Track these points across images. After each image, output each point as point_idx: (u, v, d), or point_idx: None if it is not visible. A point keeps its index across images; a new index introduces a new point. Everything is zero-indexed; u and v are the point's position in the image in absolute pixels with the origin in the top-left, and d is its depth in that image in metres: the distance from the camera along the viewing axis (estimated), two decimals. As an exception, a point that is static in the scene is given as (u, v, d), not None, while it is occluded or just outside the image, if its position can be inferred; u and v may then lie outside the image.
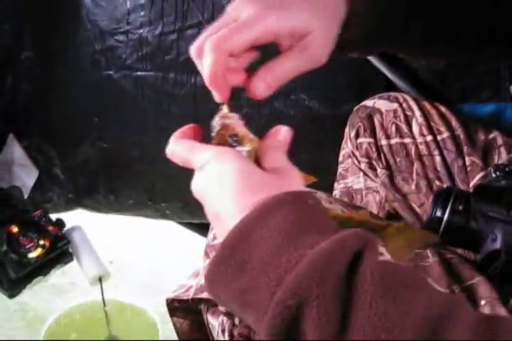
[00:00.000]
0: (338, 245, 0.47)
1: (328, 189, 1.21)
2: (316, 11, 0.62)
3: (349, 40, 0.67)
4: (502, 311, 0.69)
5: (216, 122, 0.64)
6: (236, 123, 0.64)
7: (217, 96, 0.62)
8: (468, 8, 0.75)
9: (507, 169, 0.84)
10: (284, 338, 0.46)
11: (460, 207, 0.82)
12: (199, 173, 0.59)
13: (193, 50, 0.62)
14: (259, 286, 0.48)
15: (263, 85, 0.61)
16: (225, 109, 0.65)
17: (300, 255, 0.47)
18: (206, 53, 0.58)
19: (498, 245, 0.77)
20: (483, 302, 0.70)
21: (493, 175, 0.84)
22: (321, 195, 0.89)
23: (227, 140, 0.62)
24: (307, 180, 0.63)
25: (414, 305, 0.44)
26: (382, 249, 0.50)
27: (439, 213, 0.83)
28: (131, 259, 1.94)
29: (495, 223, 0.78)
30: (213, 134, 0.64)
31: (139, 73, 1.74)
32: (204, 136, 0.66)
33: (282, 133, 0.63)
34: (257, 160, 0.61)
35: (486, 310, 0.69)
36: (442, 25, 0.75)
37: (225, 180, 0.55)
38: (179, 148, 0.62)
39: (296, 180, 0.58)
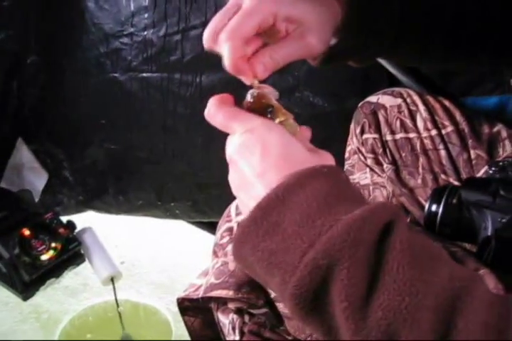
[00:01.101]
0: (371, 213, 0.49)
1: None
2: (313, 5, 0.66)
3: (343, 48, 0.72)
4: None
5: (254, 92, 0.65)
6: (272, 94, 0.65)
7: (244, 79, 0.65)
8: (458, 10, 0.79)
9: (501, 164, 0.86)
10: (307, 301, 0.48)
11: (454, 201, 0.85)
12: (240, 138, 0.60)
13: (207, 38, 0.64)
14: (290, 247, 0.50)
15: (261, 67, 0.63)
16: (256, 82, 0.65)
17: (335, 220, 0.49)
18: (224, 42, 0.61)
19: (488, 232, 0.80)
20: None
21: (490, 171, 0.86)
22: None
23: (265, 110, 0.63)
24: None
25: (438, 275, 0.46)
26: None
27: (434, 207, 0.86)
28: (143, 259, 1.96)
29: (484, 211, 0.81)
30: (250, 100, 0.64)
31: (144, 74, 1.75)
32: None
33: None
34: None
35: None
36: (437, 29, 0.79)
37: (271, 148, 0.57)
38: (222, 112, 0.63)
39: (332, 162, 0.61)
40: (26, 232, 1.72)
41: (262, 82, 0.66)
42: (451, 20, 0.79)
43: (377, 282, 0.46)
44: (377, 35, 0.74)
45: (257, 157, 0.57)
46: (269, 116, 0.63)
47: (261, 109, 0.63)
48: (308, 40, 0.65)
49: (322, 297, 0.47)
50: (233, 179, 0.61)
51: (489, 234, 0.80)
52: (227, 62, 0.62)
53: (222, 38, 0.61)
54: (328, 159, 0.60)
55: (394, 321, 0.44)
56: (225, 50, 0.61)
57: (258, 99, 0.64)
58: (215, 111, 0.63)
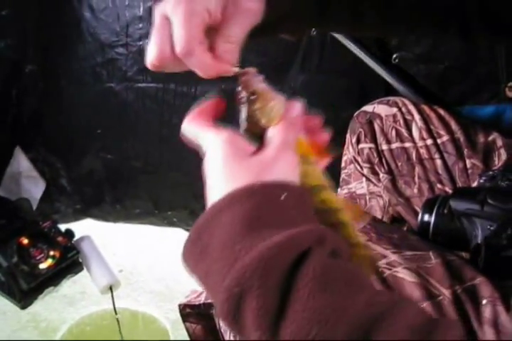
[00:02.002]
0: (288, 240, 0.47)
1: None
2: None
3: (273, 18, 0.67)
4: (503, 310, 0.71)
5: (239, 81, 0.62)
6: (255, 78, 0.62)
7: (225, 74, 0.62)
8: None
9: (491, 173, 0.88)
10: (231, 324, 0.47)
11: (445, 211, 0.87)
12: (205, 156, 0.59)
13: (158, 59, 0.60)
14: (215, 271, 0.49)
15: (228, 56, 0.61)
16: (236, 69, 0.62)
17: (251, 245, 0.48)
18: (186, 55, 0.58)
19: (478, 240, 0.82)
20: (484, 301, 0.72)
21: (480, 180, 0.88)
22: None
23: (249, 98, 0.61)
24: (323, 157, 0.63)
25: (353, 302, 0.44)
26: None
27: (426, 217, 0.89)
28: (141, 267, 1.96)
29: (474, 220, 0.83)
30: (239, 89, 0.62)
31: (140, 85, 1.76)
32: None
33: (294, 111, 0.62)
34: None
35: (488, 310, 0.71)
36: None
37: (212, 166, 0.57)
38: (190, 129, 0.62)
39: (289, 165, 0.57)
40: (24, 241, 1.72)
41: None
42: None
43: (286, 310, 0.44)
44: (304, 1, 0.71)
45: (209, 174, 0.57)
46: (244, 106, 0.61)
47: (247, 99, 0.61)
48: (244, 5, 0.61)
49: (241, 322, 0.46)
50: None
51: (479, 241, 0.82)
52: (202, 71, 0.59)
53: (181, 52, 0.58)
54: (285, 160, 0.57)
55: None
56: (193, 62, 0.59)
57: (243, 88, 0.62)
58: (185, 128, 0.62)
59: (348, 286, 0.46)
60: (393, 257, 0.79)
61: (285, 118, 0.60)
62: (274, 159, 0.56)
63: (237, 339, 0.82)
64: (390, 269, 0.77)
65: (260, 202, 0.51)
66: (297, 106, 0.61)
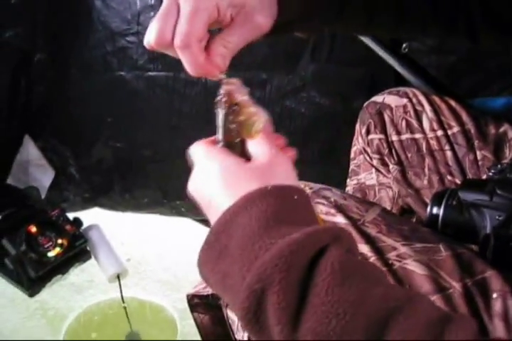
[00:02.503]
0: (307, 237, 0.49)
1: (340, 185, 1.22)
2: None
3: (289, 19, 0.69)
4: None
5: (222, 89, 0.64)
6: (239, 89, 0.64)
7: (210, 77, 0.64)
8: None
9: (499, 166, 0.88)
10: (251, 323, 0.49)
11: (454, 202, 0.87)
12: (193, 173, 0.62)
13: (155, 41, 0.61)
14: (235, 270, 0.51)
15: (220, 60, 0.63)
16: (223, 77, 0.64)
17: (271, 243, 0.49)
18: (182, 48, 0.60)
19: (487, 230, 0.82)
20: (495, 295, 0.72)
21: (489, 173, 0.87)
22: (335, 191, 0.90)
23: (230, 109, 0.63)
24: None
25: (369, 295, 0.46)
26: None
27: (435, 210, 0.88)
28: (149, 256, 1.96)
29: (483, 210, 0.83)
30: (219, 99, 0.64)
31: (150, 73, 1.76)
32: None
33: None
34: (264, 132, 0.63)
35: (498, 303, 0.70)
36: None
37: (214, 176, 0.58)
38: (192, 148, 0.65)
39: (286, 170, 0.60)
40: (33, 229, 1.73)
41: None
42: None
43: (306, 305, 0.46)
44: (321, 3, 0.73)
45: (204, 188, 0.59)
46: (222, 112, 0.63)
47: (228, 109, 0.63)
48: (255, 20, 0.64)
49: (262, 319, 0.48)
50: (201, 208, 0.62)
51: (488, 232, 0.82)
52: (191, 67, 0.62)
53: (179, 44, 0.60)
54: (283, 168, 0.60)
55: None
56: (187, 56, 0.61)
57: (225, 96, 0.63)
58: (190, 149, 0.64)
59: (365, 281, 0.47)
60: (403, 249, 0.78)
61: (265, 132, 0.63)
62: (272, 165, 0.59)
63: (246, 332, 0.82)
64: (400, 261, 0.77)
65: (275, 202, 0.53)
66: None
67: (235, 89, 0.63)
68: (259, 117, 0.63)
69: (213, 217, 0.57)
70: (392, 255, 0.78)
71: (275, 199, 0.54)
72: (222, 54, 0.63)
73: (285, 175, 0.60)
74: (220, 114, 0.64)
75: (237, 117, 0.63)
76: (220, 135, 0.64)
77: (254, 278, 0.48)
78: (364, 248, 0.78)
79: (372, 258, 0.78)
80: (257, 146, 0.62)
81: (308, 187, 0.89)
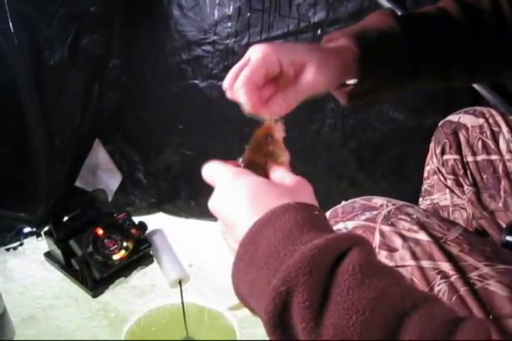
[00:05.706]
0: (328, 242, 0.52)
1: (410, 202, 1.22)
2: (313, 49, 0.80)
3: (365, 87, 0.86)
4: None
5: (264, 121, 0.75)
6: (277, 128, 0.73)
7: (263, 118, 0.75)
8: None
9: None
10: (275, 325, 0.51)
11: None
12: (216, 190, 0.66)
13: (226, 88, 0.77)
14: (262, 277, 0.54)
15: (277, 108, 0.76)
16: (266, 117, 0.74)
17: (294, 250, 0.53)
18: (239, 89, 0.73)
19: None
20: None
21: None
22: (417, 208, 0.90)
23: (266, 137, 0.72)
24: None
25: (388, 294, 0.49)
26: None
27: (509, 238, 0.92)
28: (210, 263, 1.97)
29: None
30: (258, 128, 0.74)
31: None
32: None
33: None
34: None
35: None
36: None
37: (239, 196, 0.62)
38: (206, 168, 0.72)
39: (309, 194, 0.65)
40: (99, 231, 1.77)
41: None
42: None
43: (329, 303, 0.49)
44: (394, 68, 0.87)
45: (230, 206, 0.63)
46: (263, 144, 0.72)
47: (265, 137, 0.72)
48: (309, 78, 0.77)
49: (287, 320, 0.51)
50: (219, 227, 0.67)
51: None
52: (245, 105, 0.74)
53: (237, 86, 0.74)
54: (306, 192, 0.65)
55: (343, 338, 0.47)
56: (241, 95, 0.73)
57: (266, 128, 0.73)
58: (204, 169, 0.71)
59: (384, 281, 0.50)
60: (485, 269, 0.77)
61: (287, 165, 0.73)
62: (299, 188, 0.65)
63: None
64: (482, 281, 0.76)
65: (296, 214, 0.57)
66: None
67: (276, 127, 0.73)
68: (285, 152, 0.73)
69: (237, 234, 0.60)
70: (473, 275, 0.77)
71: (297, 212, 0.57)
72: (279, 104, 0.76)
73: (309, 198, 0.64)
74: (256, 138, 0.73)
75: (268, 146, 0.72)
76: (245, 157, 0.73)
77: (279, 281, 0.51)
78: (446, 266, 0.78)
79: (454, 276, 0.77)
80: (283, 173, 0.69)
81: (391, 203, 0.89)
